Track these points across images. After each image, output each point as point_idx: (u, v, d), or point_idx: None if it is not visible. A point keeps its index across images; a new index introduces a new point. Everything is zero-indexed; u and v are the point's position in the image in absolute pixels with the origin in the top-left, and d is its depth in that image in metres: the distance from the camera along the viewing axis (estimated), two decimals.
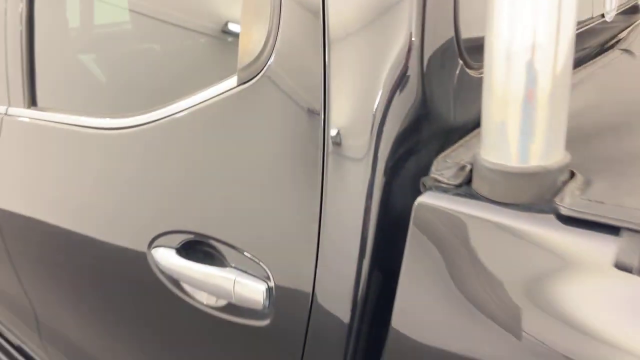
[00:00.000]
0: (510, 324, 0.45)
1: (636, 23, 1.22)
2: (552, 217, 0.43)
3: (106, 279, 0.93)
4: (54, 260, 1.06)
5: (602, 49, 1.02)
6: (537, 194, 0.45)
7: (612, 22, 1.02)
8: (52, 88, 1.05)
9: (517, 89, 0.43)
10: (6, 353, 1.67)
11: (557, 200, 0.44)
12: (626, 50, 1.04)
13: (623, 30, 1.15)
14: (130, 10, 0.95)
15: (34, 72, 1.04)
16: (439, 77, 0.56)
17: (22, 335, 1.50)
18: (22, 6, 1.02)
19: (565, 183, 0.46)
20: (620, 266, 0.39)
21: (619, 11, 1.06)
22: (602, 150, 0.57)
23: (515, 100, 0.43)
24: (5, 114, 1.10)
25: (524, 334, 0.44)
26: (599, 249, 0.41)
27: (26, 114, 1.05)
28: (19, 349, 1.66)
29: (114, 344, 0.99)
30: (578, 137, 0.50)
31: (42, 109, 1.03)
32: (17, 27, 1.04)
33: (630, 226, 0.40)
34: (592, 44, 0.97)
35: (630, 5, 1.19)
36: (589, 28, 0.91)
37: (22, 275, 1.22)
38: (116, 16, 1.00)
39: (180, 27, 0.81)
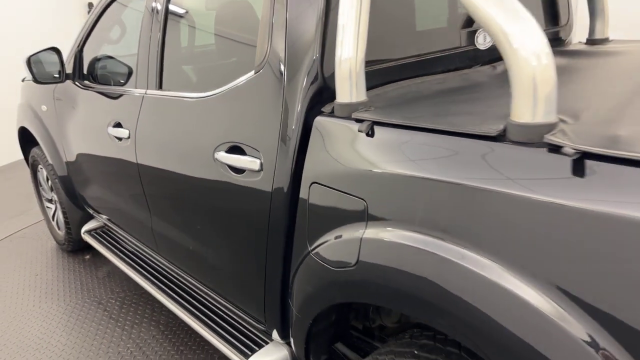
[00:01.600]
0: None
1: None
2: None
3: (193, 184, 1.77)
4: (165, 191, 1.93)
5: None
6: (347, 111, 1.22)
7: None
8: (169, 80, 1.94)
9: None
10: (127, 257, 2.61)
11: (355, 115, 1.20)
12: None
13: None
14: (206, 33, 1.82)
15: (162, 71, 1.94)
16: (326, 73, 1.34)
17: (140, 241, 2.41)
18: (160, 34, 1.92)
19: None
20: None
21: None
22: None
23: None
24: (145, 93, 2.00)
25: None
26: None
27: (156, 93, 1.94)
28: (135, 254, 2.62)
29: (194, 224, 1.83)
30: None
31: (164, 90, 1.91)
32: (155, 47, 1.94)
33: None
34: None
35: None
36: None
37: (150, 205, 2.11)
38: (202, 40, 1.88)
39: (229, 46, 1.65)
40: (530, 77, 0.87)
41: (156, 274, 2.38)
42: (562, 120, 0.92)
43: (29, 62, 2.46)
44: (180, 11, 1.92)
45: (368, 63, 1.26)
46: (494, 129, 0.93)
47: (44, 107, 2.96)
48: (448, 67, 1.63)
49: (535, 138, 0.88)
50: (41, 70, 2.51)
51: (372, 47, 1.41)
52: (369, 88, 1.29)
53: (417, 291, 1.01)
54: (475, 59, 1.73)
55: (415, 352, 1.14)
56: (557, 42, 2.15)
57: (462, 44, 1.68)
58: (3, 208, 4.50)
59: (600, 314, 0.77)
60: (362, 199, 1.14)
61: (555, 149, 0.84)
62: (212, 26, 1.80)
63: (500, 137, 0.93)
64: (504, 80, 1.46)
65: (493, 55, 1.77)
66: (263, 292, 1.58)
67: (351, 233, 1.17)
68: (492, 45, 1.75)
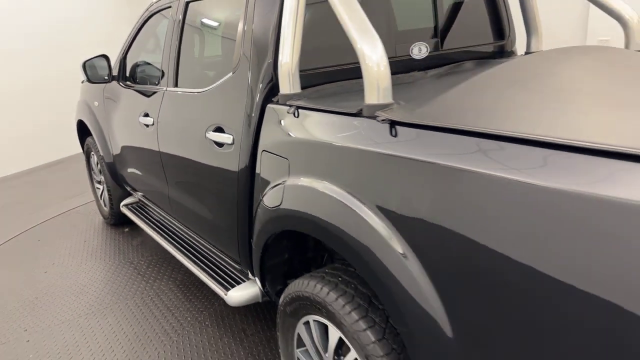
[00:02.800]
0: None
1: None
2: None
3: (193, 160, 2.33)
4: (175, 164, 2.51)
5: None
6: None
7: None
8: (181, 78, 2.52)
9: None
10: (153, 224, 3.21)
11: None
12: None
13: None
14: (206, 44, 2.39)
15: (178, 72, 2.53)
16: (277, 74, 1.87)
17: (160, 207, 3.02)
18: (176, 44, 2.52)
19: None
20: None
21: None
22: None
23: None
24: (165, 89, 2.60)
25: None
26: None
27: (172, 89, 2.53)
28: (159, 222, 3.22)
29: (193, 188, 2.40)
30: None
31: (178, 87, 2.50)
32: (173, 54, 2.54)
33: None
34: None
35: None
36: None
37: (167, 177, 2.70)
38: (203, 49, 2.46)
39: (219, 53, 2.21)
40: (374, 77, 1.37)
41: (173, 235, 2.97)
42: (397, 103, 1.41)
43: (84, 65, 3.13)
44: (189, 28, 2.51)
45: (316, 67, 1.78)
46: (356, 108, 1.43)
47: (95, 103, 3.65)
48: None
49: (374, 113, 1.37)
50: (94, 72, 3.18)
51: (321, 55, 1.93)
52: (315, 84, 1.82)
53: (314, 217, 1.51)
54: (412, 67, 2.21)
55: (340, 277, 1.61)
56: (502, 52, 2.58)
57: (398, 54, 2.17)
58: (62, 191, 5.29)
59: (397, 220, 1.25)
60: (286, 159, 1.66)
61: (389, 122, 1.33)
62: (209, 39, 2.37)
63: (359, 114, 1.43)
64: (416, 82, 1.94)
65: (429, 63, 2.25)
66: (237, 238, 2.12)
67: (280, 183, 1.69)
68: (427, 55, 2.23)
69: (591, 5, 5.32)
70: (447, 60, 2.31)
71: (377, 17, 2.14)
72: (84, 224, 4.31)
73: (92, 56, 3.15)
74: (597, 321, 0.87)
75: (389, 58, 2.14)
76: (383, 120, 1.32)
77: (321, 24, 1.95)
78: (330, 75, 1.98)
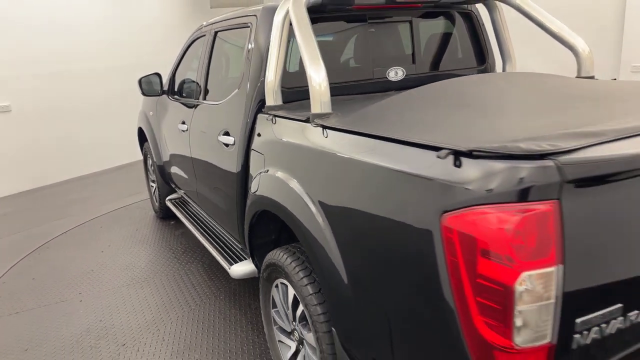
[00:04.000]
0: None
1: None
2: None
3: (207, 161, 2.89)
4: (200, 161, 3.08)
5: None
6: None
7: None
8: (208, 93, 3.10)
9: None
10: (189, 215, 3.82)
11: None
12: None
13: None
14: (225, 65, 2.96)
15: (207, 88, 3.11)
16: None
17: (191, 199, 3.61)
18: (206, 64, 3.10)
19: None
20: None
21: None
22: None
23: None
24: (197, 101, 3.19)
25: None
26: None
27: (202, 102, 3.12)
28: (194, 214, 3.82)
29: (210, 180, 2.95)
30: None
31: (206, 100, 3.09)
32: (204, 73, 3.13)
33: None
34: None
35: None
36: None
37: (196, 173, 3.28)
38: (224, 69, 3.02)
39: (233, 73, 2.76)
40: (317, 93, 1.85)
41: (201, 224, 3.54)
42: (335, 113, 1.87)
43: (140, 81, 3.81)
44: (216, 53, 3.08)
45: (299, 86, 2.28)
46: (305, 117, 1.90)
47: (150, 113, 4.34)
48: (365, 91, 2.57)
49: (314, 121, 1.83)
50: (148, 87, 3.85)
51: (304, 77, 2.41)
52: (299, 100, 2.31)
53: (273, 199, 1.99)
54: (389, 88, 2.64)
55: (298, 248, 2.07)
56: None
57: (375, 76, 2.61)
58: (125, 190, 6.09)
59: (319, 196, 1.70)
60: (263, 154, 2.15)
61: (320, 126, 1.79)
62: (227, 62, 2.93)
63: (308, 121, 1.89)
64: (372, 98, 2.37)
65: (404, 85, 2.67)
66: (238, 222, 2.63)
67: (259, 173, 2.18)
68: (403, 78, 2.65)
69: (625, 33, 5.46)
70: (425, 83, 2.72)
71: (358, 44, 2.61)
72: (139, 217, 5.02)
73: (147, 74, 3.82)
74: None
75: (366, 80, 2.61)
76: (316, 125, 1.78)
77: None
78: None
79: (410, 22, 2.72)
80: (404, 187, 1.33)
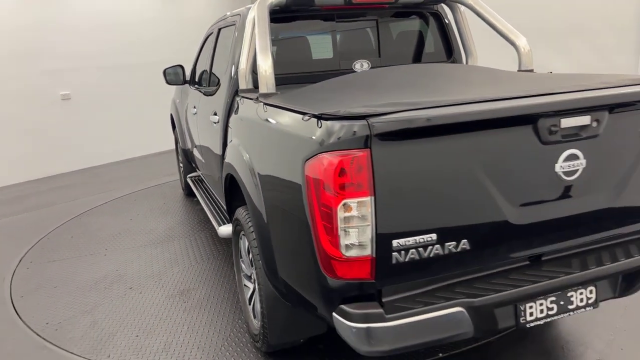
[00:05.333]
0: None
1: None
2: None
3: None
4: (202, 140, 3.61)
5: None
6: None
7: None
8: (211, 81, 3.62)
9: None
10: (203, 191, 4.39)
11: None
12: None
13: None
14: (223, 58, 3.47)
15: (211, 77, 3.64)
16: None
17: (200, 172, 4.16)
18: (211, 56, 3.63)
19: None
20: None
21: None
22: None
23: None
24: (203, 89, 3.72)
25: None
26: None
27: (206, 88, 3.64)
28: (205, 189, 4.38)
29: (206, 154, 3.47)
30: None
31: (209, 86, 3.61)
32: (209, 65, 3.66)
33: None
34: None
35: None
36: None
37: (201, 151, 3.82)
38: (223, 61, 3.54)
39: (227, 65, 3.26)
40: (264, 77, 2.30)
41: (208, 195, 4.07)
42: (277, 93, 2.31)
43: (164, 72, 4.39)
44: (218, 48, 3.59)
45: (280, 74, 2.74)
46: (255, 96, 2.36)
47: (177, 100, 4.95)
48: None
49: (258, 98, 2.29)
50: (171, 77, 4.42)
51: (284, 66, 2.86)
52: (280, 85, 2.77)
53: (231, 164, 2.46)
54: None
55: None
56: None
57: (342, 67, 3.02)
58: (161, 172, 6.79)
59: (254, 157, 2.16)
60: (232, 128, 2.63)
61: (261, 102, 2.24)
62: (224, 55, 3.44)
63: (256, 99, 2.35)
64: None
65: None
66: (224, 189, 3.12)
67: (228, 144, 2.67)
68: (368, 69, 3.05)
69: None
70: None
71: (327, 39, 3.03)
72: (168, 193, 5.66)
73: (171, 65, 4.41)
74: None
75: (333, 70, 3.02)
76: (257, 101, 2.24)
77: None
78: (289, 80, 2.90)
79: (376, 20, 3.10)
80: (292, 143, 1.76)
